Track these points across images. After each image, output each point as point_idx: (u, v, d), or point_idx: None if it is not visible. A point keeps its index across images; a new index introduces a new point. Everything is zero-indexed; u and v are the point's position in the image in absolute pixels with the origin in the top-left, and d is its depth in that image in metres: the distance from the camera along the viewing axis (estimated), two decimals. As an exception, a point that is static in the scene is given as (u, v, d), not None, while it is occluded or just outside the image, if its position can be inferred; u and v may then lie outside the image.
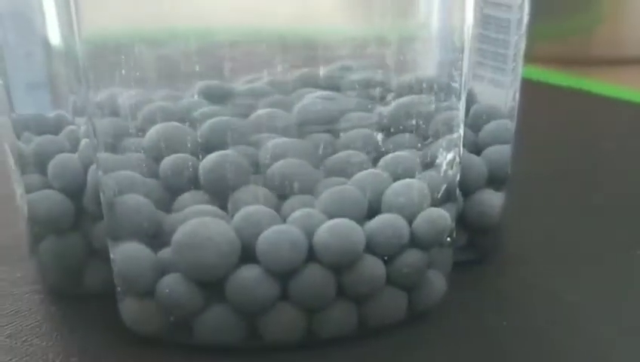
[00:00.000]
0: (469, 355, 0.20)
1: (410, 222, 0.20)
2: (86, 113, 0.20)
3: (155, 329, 0.20)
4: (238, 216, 0.19)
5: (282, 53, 0.20)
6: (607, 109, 0.45)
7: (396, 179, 0.20)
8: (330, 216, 0.19)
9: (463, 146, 0.22)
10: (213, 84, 0.20)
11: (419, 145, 0.20)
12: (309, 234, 0.19)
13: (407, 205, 0.20)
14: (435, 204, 0.20)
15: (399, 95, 0.20)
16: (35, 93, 0.22)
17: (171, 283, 0.19)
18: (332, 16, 0.20)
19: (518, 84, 0.24)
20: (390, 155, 0.20)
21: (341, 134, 0.20)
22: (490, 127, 0.24)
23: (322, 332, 0.20)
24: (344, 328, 0.20)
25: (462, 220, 0.23)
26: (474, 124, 0.24)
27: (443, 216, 0.20)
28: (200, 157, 0.19)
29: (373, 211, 0.20)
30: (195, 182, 0.19)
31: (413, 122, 0.20)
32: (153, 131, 0.19)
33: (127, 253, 0.19)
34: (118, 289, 0.20)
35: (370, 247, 0.19)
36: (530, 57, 0.24)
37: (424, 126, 0.20)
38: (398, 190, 0.20)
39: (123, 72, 0.19)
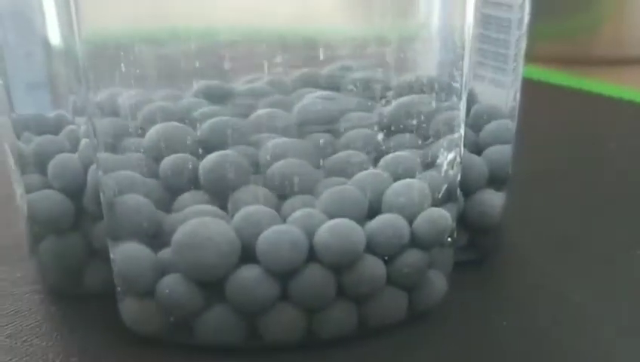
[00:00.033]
0: (469, 355, 0.20)
1: (410, 222, 0.20)
2: (86, 113, 0.19)
3: (155, 329, 0.20)
4: (238, 216, 0.19)
5: (282, 53, 0.20)
6: (608, 109, 0.45)
7: (397, 179, 0.20)
8: (331, 216, 0.19)
9: (464, 146, 0.22)
10: (213, 84, 0.20)
11: (419, 145, 0.20)
12: (310, 234, 0.19)
13: (408, 205, 0.20)
14: (436, 203, 0.20)
15: (400, 95, 0.20)
16: (35, 93, 0.22)
17: (171, 284, 0.19)
18: (332, 16, 0.20)
19: (519, 84, 0.24)
20: (391, 155, 0.20)
21: (342, 134, 0.20)
22: (491, 127, 0.24)
23: (322, 332, 0.20)
24: (344, 328, 0.20)
25: (462, 220, 0.23)
26: (475, 123, 0.24)
27: (444, 216, 0.20)
28: (200, 157, 0.19)
29: (373, 211, 0.20)
30: (195, 182, 0.19)
31: (414, 122, 0.20)
32: (153, 131, 0.19)
33: (127, 253, 0.19)
34: (118, 289, 0.20)
35: (371, 247, 0.19)
36: (531, 57, 0.24)
37: (425, 126, 0.20)
38: (399, 190, 0.20)
39: (123, 71, 0.19)
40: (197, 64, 0.19)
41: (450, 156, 0.21)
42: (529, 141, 0.26)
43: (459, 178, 0.21)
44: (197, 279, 0.19)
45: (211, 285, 0.19)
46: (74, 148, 0.21)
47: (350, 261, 0.19)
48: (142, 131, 0.19)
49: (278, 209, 0.19)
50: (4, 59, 0.21)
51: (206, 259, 0.18)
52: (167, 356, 0.20)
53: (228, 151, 0.19)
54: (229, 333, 0.19)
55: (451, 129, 0.21)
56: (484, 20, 0.24)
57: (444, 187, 0.21)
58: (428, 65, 0.21)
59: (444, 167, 0.21)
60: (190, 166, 0.19)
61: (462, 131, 0.21)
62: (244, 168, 0.19)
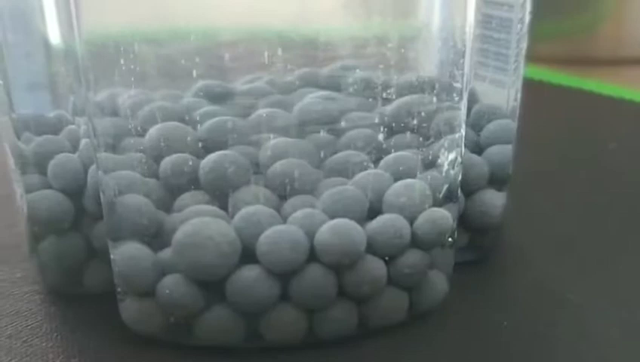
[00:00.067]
0: (470, 356, 0.20)
1: (411, 222, 0.20)
2: (86, 113, 0.19)
3: (155, 329, 0.20)
4: (238, 216, 0.19)
5: (283, 53, 0.19)
6: (608, 109, 0.45)
7: (397, 179, 0.20)
8: (331, 216, 0.19)
9: (465, 146, 0.21)
10: (214, 84, 0.20)
11: (420, 145, 0.20)
12: (310, 234, 0.19)
13: (409, 205, 0.19)
14: (437, 204, 0.20)
15: (400, 95, 0.20)
16: (35, 93, 0.22)
17: (172, 284, 0.19)
18: (333, 16, 0.20)
19: (519, 84, 0.24)
20: (391, 155, 0.20)
21: (342, 134, 0.20)
22: (491, 127, 0.24)
23: (323, 332, 0.19)
24: (345, 328, 0.20)
25: (463, 220, 0.23)
26: (475, 123, 0.24)
27: (444, 216, 0.20)
28: (200, 157, 0.19)
29: (374, 211, 0.19)
30: (195, 182, 0.19)
31: (415, 122, 0.20)
32: (153, 131, 0.19)
33: (128, 254, 0.19)
34: (119, 289, 0.20)
35: (372, 248, 0.19)
36: (531, 57, 0.24)
37: (425, 126, 0.20)
38: (400, 190, 0.20)
39: (123, 71, 0.19)
40: (197, 64, 0.19)
41: (451, 156, 0.21)
42: (530, 141, 0.26)
43: (460, 178, 0.21)
44: (197, 279, 0.19)
45: (212, 285, 0.19)
46: (74, 149, 0.21)
47: (351, 261, 0.19)
48: (142, 131, 0.19)
49: (278, 209, 0.19)
50: (4, 59, 0.21)
51: (206, 258, 0.18)
52: (167, 356, 0.19)
53: (228, 151, 0.19)
54: (230, 333, 0.19)
55: (452, 129, 0.20)
56: (485, 20, 0.23)
57: (445, 187, 0.20)
58: (429, 64, 0.21)
59: (445, 167, 0.20)
60: (190, 166, 0.19)
61: (463, 131, 0.21)
62: (245, 168, 0.19)
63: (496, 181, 0.24)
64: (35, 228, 0.22)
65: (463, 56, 0.20)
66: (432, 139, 0.20)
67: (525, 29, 0.23)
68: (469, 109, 0.22)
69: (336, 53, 0.21)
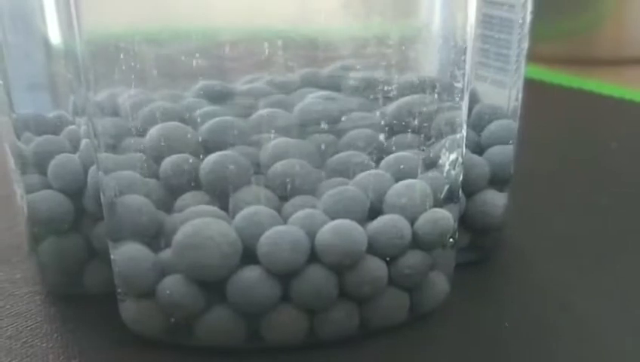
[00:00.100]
0: (471, 357, 0.20)
1: (412, 222, 0.20)
2: (86, 113, 0.19)
3: (155, 330, 0.20)
4: (239, 216, 0.19)
5: (283, 53, 0.19)
6: (609, 109, 0.45)
7: (398, 179, 0.20)
8: (332, 217, 0.19)
9: (466, 146, 0.21)
10: (214, 84, 0.20)
11: (421, 145, 0.20)
12: (311, 234, 0.19)
13: (410, 206, 0.19)
14: (438, 204, 0.20)
15: (401, 95, 0.20)
16: (35, 93, 0.22)
17: (172, 284, 0.19)
18: (333, 16, 0.20)
19: (520, 84, 0.24)
20: (392, 155, 0.20)
21: (343, 134, 0.20)
22: (492, 127, 0.24)
23: (324, 333, 0.19)
24: (346, 329, 0.20)
25: (464, 221, 0.23)
26: (476, 124, 0.24)
27: (445, 216, 0.20)
28: (201, 157, 0.19)
29: (375, 212, 0.19)
30: (195, 183, 0.19)
31: (416, 122, 0.20)
32: (154, 131, 0.19)
33: (128, 254, 0.19)
34: (119, 290, 0.20)
35: (372, 248, 0.19)
36: (532, 57, 0.24)
37: (426, 126, 0.20)
38: (401, 190, 0.19)
39: (123, 71, 0.19)
40: (197, 64, 0.19)
41: (452, 156, 0.20)
42: (530, 141, 0.26)
43: (461, 178, 0.21)
44: (198, 279, 0.19)
45: (212, 286, 0.19)
46: (74, 149, 0.21)
47: (352, 262, 0.19)
48: (142, 131, 0.19)
49: (279, 209, 0.19)
50: (4, 59, 0.21)
51: (207, 259, 0.18)
52: (167, 357, 0.19)
53: (229, 152, 0.19)
54: (230, 334, 0.19)
55: (453, 129, 0.20)
56: (485, 20, 0.23)
57: (446, 187, 0.20)
58: (429, 65, 0.21)
59: (446, 167, 0.20)
60: (191, 166, 0.19)
61: (464, 131, 0.21)
62: (245, 168, 0.19)
63: (497, 181, 0.24)
64: (35, 229, 0.22)
65: (464, 56, 0.20)
66: (433, 140, 0.20)
67: (526, 29, 0.23)
68: (470, 110, 0.22)
69: (337, 53, 0.21)
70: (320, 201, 0.19)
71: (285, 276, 0.19)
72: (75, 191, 0.21)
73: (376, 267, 0.19)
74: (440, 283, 0.21)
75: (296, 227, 0.19)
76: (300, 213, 0.19)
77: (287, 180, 0.19)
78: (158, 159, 0.19)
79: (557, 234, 0.27)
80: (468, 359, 0.20)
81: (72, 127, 0.21)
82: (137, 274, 0.19)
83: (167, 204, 0.19)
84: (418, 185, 0.20)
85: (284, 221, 0.19)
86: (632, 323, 0.21)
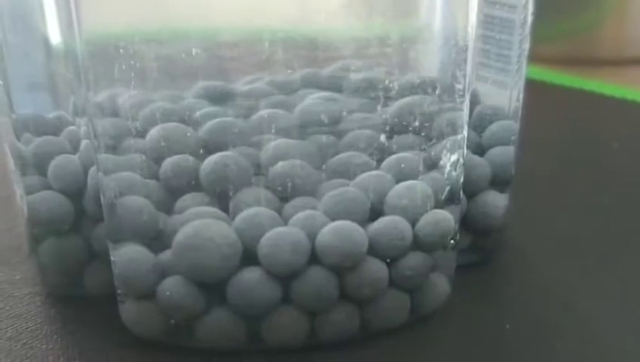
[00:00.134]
0: (472, 358, 0.20)
1: (413, 224, 0.20)
2: (86, 114, 0.19)
3: (155, 331, 0.19)
4: (239, 217, 0.19)
5: (284, 53, 0.19)
6: (611, 109, 0.45)
7: (399, 180, 0.20)
8: (333, 218, 0.19)
9: (467, 147, 0.21)
10: (215, 85, 0.20)
11: (422, 146, 0.20)
12: (311, 236, 0.19)
13: (411, 207, 0.19)
14: (439, 205, 0.20)
15: (402, 96, 0.20)
16: (35, 93, 0.22)
17: (172, 286, 0.19)
18: (334, 16, 0.20)
19: (522, 85, 0.24)
20: (393, 157, 0.20)
21: (344, 135, 0.20)
22: (493, 128, 0.24)
23: (324, 335, 0.19)
24: (346, 331, 0.20)
25: (465, 222, 0.23)
26: (478, 125, 0.24)
27: (446, 218, 0.20)
28: (201, 158, 0.19)
29: (375, 213, 0.19)
30: (196, 184, 0.19)
31: (417, 123, 0.20)
32: (154, 132, 0.19)
33: (128, 255, 0.19)
34: (119, 291, 0.20)
35: (373, 250, 0.19)
36: (533, 57, 0.24)
37: (427, 127, 0.20)
38: (401, 192, 0.19)
39: (123, 72, 0.19)
40: (198, 64, 0.19)
41: (453, 157, 0.20)
42: (532, 142, 0.26)
43: (462, 179, 0.21)
44: (198, 281, 0.19)
45: (212, 287, 0.19)
46: (74, 150, 0.21)
47: (352, 263, 0.19)
48: (142, 132, 0.19)
49: (279, 210, 0.19)
50: (4, 59, 0.21)
51: (207, 260, 0.18)
52: (168, 358, 0.19)
53: (229, 153, 0.19)
54: (230, 336, 0.19)
55: (454, 130, 0.20)
56: (487, 21, 0.23)
57: (447, 189, 0.20)
58: (430, 65, 0.21)
59: (447, 168, 0.20)
60: (191, 167, 0.19)
61: (465, 132, 0.21)
62: (246, 169, 0.19)
63: (498, 182, 0.24)
64: (35, 230, 0.22)
65: (465, 57, 0.20)
66: (434, 141, 0.20)
67: (527, 29, 0.23)
68: (471, 110, 0.22)
69: (338, 54, 0.21)
70: (320, 202, 0.19)
71: (286, 277, 0.19)
72: (75, 192, 0.21)
73: (377, 268, 0.19)
74: (441, 284, 0.21)
75: (297, 228, 0.18)
76: (301, 215, 0.19)
77: (288, 181, 0.19)
78: (158, 160, 0.19)
79: (558, 234, 0.27)
80: (469, 360, 0.20)
81: (72, 127, 0.21)
82: (137, 276, 0.19)
83: (167, 205, 0.19)
84: (419, 187, 0.20)
85: (285, 222, 0.19)
86: (633, 323, 0.21)
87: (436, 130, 0.20)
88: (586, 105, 0.45)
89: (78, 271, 0.22)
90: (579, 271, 0.24)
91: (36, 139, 0.21)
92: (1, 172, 0.23)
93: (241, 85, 0.20)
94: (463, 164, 0.21)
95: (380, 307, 0.20)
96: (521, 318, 0.21)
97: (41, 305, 0.22)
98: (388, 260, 0.19)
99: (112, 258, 0.20)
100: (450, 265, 0.21)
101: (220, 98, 0.20)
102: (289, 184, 0.19)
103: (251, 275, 0.18)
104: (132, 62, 0.19)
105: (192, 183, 0.19)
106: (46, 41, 0.21)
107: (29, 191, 0.21)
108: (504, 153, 0.23)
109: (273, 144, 0.19)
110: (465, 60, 0.20)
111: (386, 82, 0.20)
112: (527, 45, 0.23)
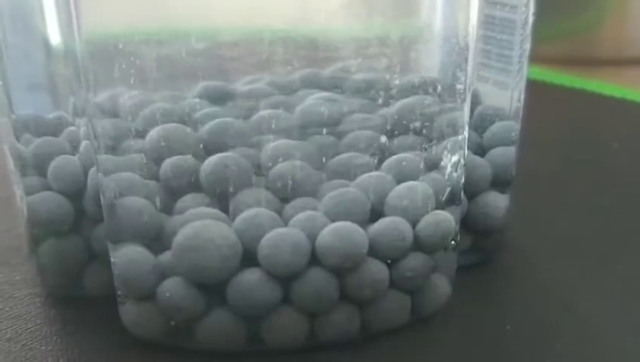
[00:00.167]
0: (473, 359, 0.20)
1: (413, 225, 0.19)
2: (86, 114, 0.19)
3: (155, 332, 0.19)
4: (239, 218, 0.19)
5: (284, 54, 0.19)
6: (611, 110, 0.45)
7: (400, 181, 0.20)
8: (333, 219, 0.19)
9: (468, 148, 0.21)
10: (215, 85, 0.20)
11: (423, 146, 0.20)
12: (312, 237, 0.18)
13: (411, 208, 0.19)
14: (440, 206, 0.20)
15: (403, 96, 0.20)
16: (34, 94, 0.22)
17: (172, 287, 0.19)
18: (334, 16, 0.20)
19: (523, 85, 0.24)
20: (394, 157, 0.20)
21: (344, 135, 0.20)
22: (494, 129, 0.24)
23: (325, 336, 0.19)
24: (347, 332, 0.20)
25: (466, 223, 0.23)
26: (478, 125, 0.24)
27: (447, 218, 0.20)
28: (201, 158, 0.19)
29: (376, 214, 0.19)
30: (196, 184, 0.19)
31: (417, 124, 0.20)
32: (154, 132, 0.19)
33: (128, 256, 0.19)
34: (119, 292, 0.20)
35: (374, 251, 0.19)
36: (534, 57, 0.24)
37: (428, 127, 0.20)
38: (402, 193, 0.19)
39: (123, 72, 0.19)
40: (198, 64, 0.19)
41: (454, 158, 0.20)
42: (532, 142, 0.26)
43: (462, 180, 0.21)
44: (198, 282, 0.18)
45: (212, 288, 0.18)
46: (74, 150, 0.21)
47: (353, 264, 0.19)
48: (142, 132, 0.19)
49: (279, 211, 0.19)
50: (3, 59, 0.21)
51: (207, 261, 0.18)
52: (168, 359, 0.19)
53: (229, 153, 0.19)
54: (230, 337, 0.19)
55: (455, 131, 0.20)
56: (487, 21, 0.23)
57: (448, 189, 0.20)
58: (431, 66, 0.21)
59: (448, 169, 0.20)
60: (191, 167, 0.19)
61: (465, 133, 0.21)
62: (246, 170, 0.19)
63: (499, 183, 0.24)
64: (34, 231, 0.22)
65: (466, 57, 0.20)
66: (434, 141, 0.20)
67: (528, 30, 0.23)
68: (471, 111, 0.22)
69: (338, 54, 0.20)
70: (321, 203, 0.19)
71: (286, 278, 0.18)
72: (75, 192, 0.21)
73: (378, 269, 0.19)
74: (442, 285, 0.21)
75: (297, 229, 0.18)
76: (301, 215, 0.19)
77: (288, 182, 0.19)
78: (158, 161, 0.19)
79: (559, 235, 0.27)
80: (470, 361, 0.20)
81: (72, 128, 0.21)
82: (137, 277, 0.19)
83: (167, 206, 0.19)
84: (420, 187, 0.20)
85: (285, 223, 0.19)
86: (634, 323, 0.21)
87: (437, 130, 0.20)
88: (586, 105, 0.45)
89: (78, 272, 0.22)
90: (579, 270, 0.24)
91: (36, 139, 0.21)
92: (1, 173, 0.23)
93: (241, 85, 0.20)
94: (464, 165, 0.21)
95: (380, 308, 0.20)
96: (521, 318, 0.21)
97: (41, 306, 0.22)
98: (388, 261, 0.19)
99: (111, 259, 0.20)
100: (450, 266, 0.21)
101: (220, 98, 0.20)
102: (289, 185, 0.19)
103: (251, 276, 0.18)
104: (132, 63, 0.19)
105: (192, 184, 0.19)
106: (46, 41, 0.21)
107: (28, 191, 0.21)
108: (505, 154, 0.23)
109: (273, 144, 0.19)
110: (466, 61, 0.20)
111: (387, 82, 0.20)
112: (528, 45, 0.23)
